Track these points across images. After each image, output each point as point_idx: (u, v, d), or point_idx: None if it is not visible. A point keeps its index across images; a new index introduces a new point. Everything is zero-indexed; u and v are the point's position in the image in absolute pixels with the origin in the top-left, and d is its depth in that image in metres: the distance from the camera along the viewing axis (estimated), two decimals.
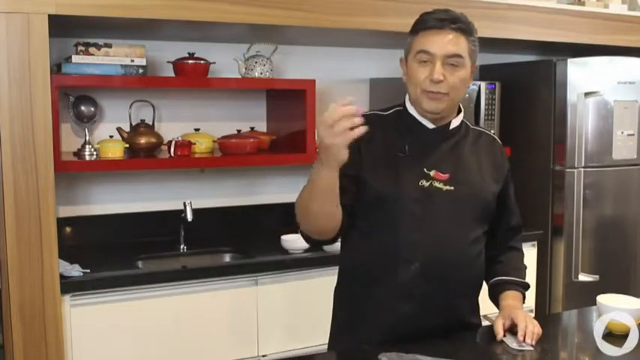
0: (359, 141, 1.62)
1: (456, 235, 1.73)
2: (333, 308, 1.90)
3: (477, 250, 1.79)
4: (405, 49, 1.76)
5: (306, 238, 1.76)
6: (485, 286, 1.89)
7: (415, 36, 1.72)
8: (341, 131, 1.42)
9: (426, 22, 1.70)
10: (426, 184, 1.71)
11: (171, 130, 3.00)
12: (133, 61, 2.74)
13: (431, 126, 1.77)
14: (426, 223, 1.71)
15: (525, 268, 1.95)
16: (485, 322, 1.89)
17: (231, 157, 2.92)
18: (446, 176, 1.72)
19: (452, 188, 1.72)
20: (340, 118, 1.42)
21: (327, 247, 2.76)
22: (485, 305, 1.91)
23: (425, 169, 1.72)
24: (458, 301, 1.78)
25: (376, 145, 1.73)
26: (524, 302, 1.88)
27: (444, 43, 1.66)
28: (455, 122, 1.80)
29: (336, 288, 1.90)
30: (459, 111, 1.82)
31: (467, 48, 1.69)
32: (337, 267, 1.91)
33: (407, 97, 1.80)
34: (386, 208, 1.70)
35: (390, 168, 1.71)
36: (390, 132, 1.76)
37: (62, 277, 2.38)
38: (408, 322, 1.73)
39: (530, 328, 1.69)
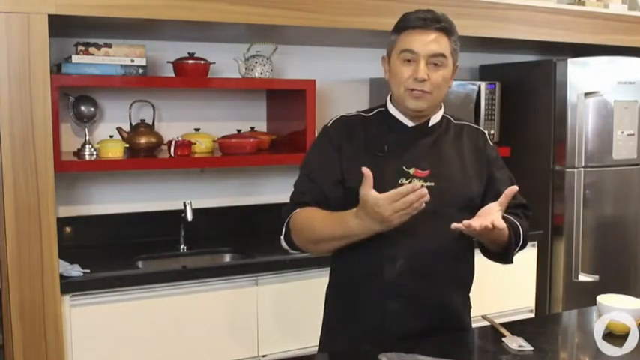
0: (340, 142, 1.76)
1: (440, 231, 1.71)
2: (324, 308, 1.91)
3: (464, 245, 1.79)
4: (388, 48, 1.79)
5: (291, 245, 1.80)
6: (476, 283, 1.88)
7: (399, 35, 1.75)
8: (410, 211, 1.52)
9: (410, 21, 1.73)
10: (405, 182, 1.71)
11: (171, 130, 3.00)
12: (133, 61, 2.74)
13: (410, 124, 1.79)
14: (409, 220, 1.70)
15: (525, 229, 1.80)
16: (483, 323, 1.89)
17: (231, 157, 2.92)
18: (425, 173, 1.72)
19: (432, 184, 1.71)
20: (411, 203, 1.50)
21: None
22: (485, 305, 1.91)
23: (404, 168, 1.73)
24: (446, 298, 1.78)
25: (357, 146, 1.77)
26: (509, 240, 1.71)
27: (427, 42, 1.70)
28: (434, 119, 1.81)
29: (327, 288, 1.91)
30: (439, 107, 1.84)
31: (449, 48, 1.73)
32: (330, 267, 1.91)
33: (388, 97, 1.83)
34: None
35: (370, 168, 1.72)
36: (371, 133, 1.79)
37: (62, 277, 2.38)
38: (397, 321, 1.73)
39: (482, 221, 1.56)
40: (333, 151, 1.78)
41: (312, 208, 1.74)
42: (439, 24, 1.71)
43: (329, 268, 1.90)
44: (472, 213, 1.77)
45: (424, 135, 1.79)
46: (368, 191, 1.53)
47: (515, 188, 1.64)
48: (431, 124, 1.80)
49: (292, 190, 1.82)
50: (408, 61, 1.71)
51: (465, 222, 1.54)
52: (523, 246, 1.82)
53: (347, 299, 1.81)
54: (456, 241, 1.75)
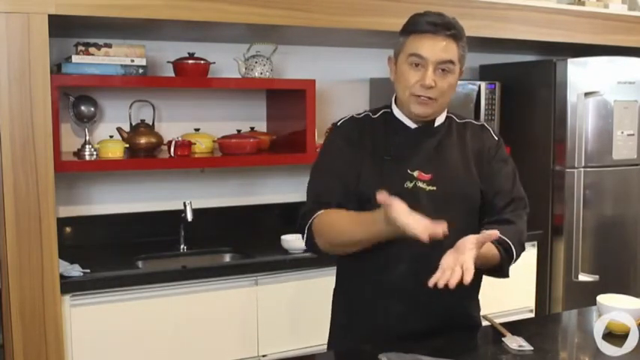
0: (354, 140, 1.75)
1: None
2: (332, 308, 1.91)
3: None
4: (396, 49, 1.76)
5: (313, 247, 1.77)
6: (485, 284, 1.88)
7: (407, 38, 1.72)
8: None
9: (420, 25, 1.70)
10: (410, 185, 1.71)
11: (171, 130, 3.00)
12: (133, 61, 2.74)
13: (414, 126, 1.78)
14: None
15: (519, 236, 1.76)
16: (484, 322, 1.89)
17: (231, 157, 2.92)
18: (428, 176, 1.71)
19: (434, 188, 1.71)
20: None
21: None
22: (485, 305, 1.91)
23: (409, 171, 1.72)
24: (452, 301, 1.74)
25: (365, 148, 1.76)
26: (500, 263, 1.71)
27: (437, 49, 1.67)
28: (439, 120, 1.80)
29: (334, 288, 1.91)
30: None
31: (457, 54, 1.71)
32: (336, 267, 1.91)
33: (393, 97, 1.81)
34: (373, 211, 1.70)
35: (377, 172, 1.73)
36: (378, 135, 1.78)
37: (62, 277, 2.38)
38: (400, 322, 1.73)
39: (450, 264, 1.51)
40: (350, 147, 1.76)
41: (336, 210, 1.71)
42: (449, 31, 1.68)
43: (329, 268, 1.91)
44: (476, 216, 1.78)
45: (429, 136, 1.77)
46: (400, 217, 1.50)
47: (495, 233, 1.57)
48: (436, 124, 1.79)
49: (300, 190, 1.80)
50: (416, 65, 1.69)
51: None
52: (521, 250, 1.77)
53: (353, 299, 1.81)
54: None
